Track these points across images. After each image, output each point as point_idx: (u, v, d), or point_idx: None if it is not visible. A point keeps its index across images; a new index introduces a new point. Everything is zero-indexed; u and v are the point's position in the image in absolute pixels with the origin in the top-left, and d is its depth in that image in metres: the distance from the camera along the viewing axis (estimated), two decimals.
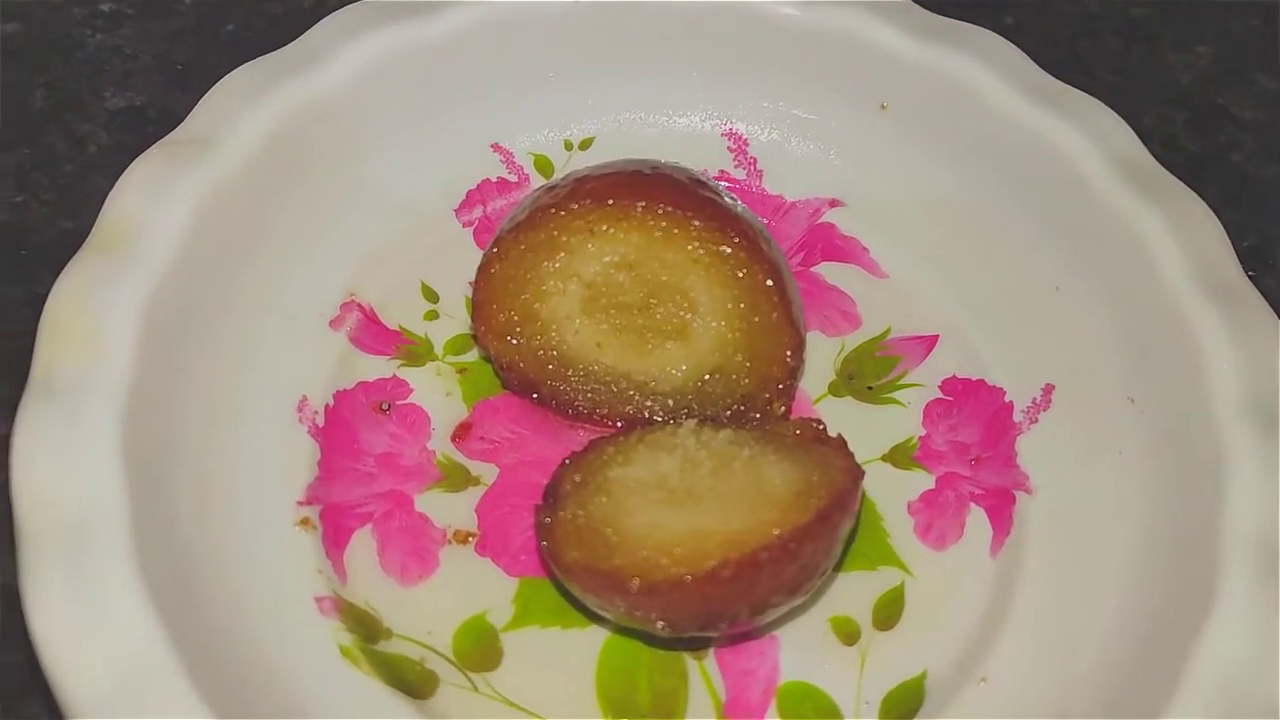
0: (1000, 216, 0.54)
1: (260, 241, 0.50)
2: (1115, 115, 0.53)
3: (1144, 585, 0.45)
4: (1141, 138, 0.53)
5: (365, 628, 0.45)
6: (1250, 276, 0.49)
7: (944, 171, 0.55)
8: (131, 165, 0.48)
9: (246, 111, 0.50)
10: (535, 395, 0.50)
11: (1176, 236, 0.49)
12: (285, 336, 0.50)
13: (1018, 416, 0.51)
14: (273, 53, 0.52)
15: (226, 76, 0.51)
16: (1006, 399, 0.52)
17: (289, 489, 0.47)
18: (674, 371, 0.49)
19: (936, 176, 0.55)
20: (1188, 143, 0.65)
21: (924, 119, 0.55)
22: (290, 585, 0.44)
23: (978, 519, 0.49)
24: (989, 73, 0.54)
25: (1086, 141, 0.52)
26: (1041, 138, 0.52)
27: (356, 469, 0.49)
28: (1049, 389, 0.51)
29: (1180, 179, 0.52)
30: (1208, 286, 0.48)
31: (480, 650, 0.45)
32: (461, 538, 0.48)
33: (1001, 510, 0.49)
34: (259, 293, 0.50)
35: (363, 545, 0.47)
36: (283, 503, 0.47)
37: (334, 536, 0.47)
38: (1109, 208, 0.50)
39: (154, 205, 0.47)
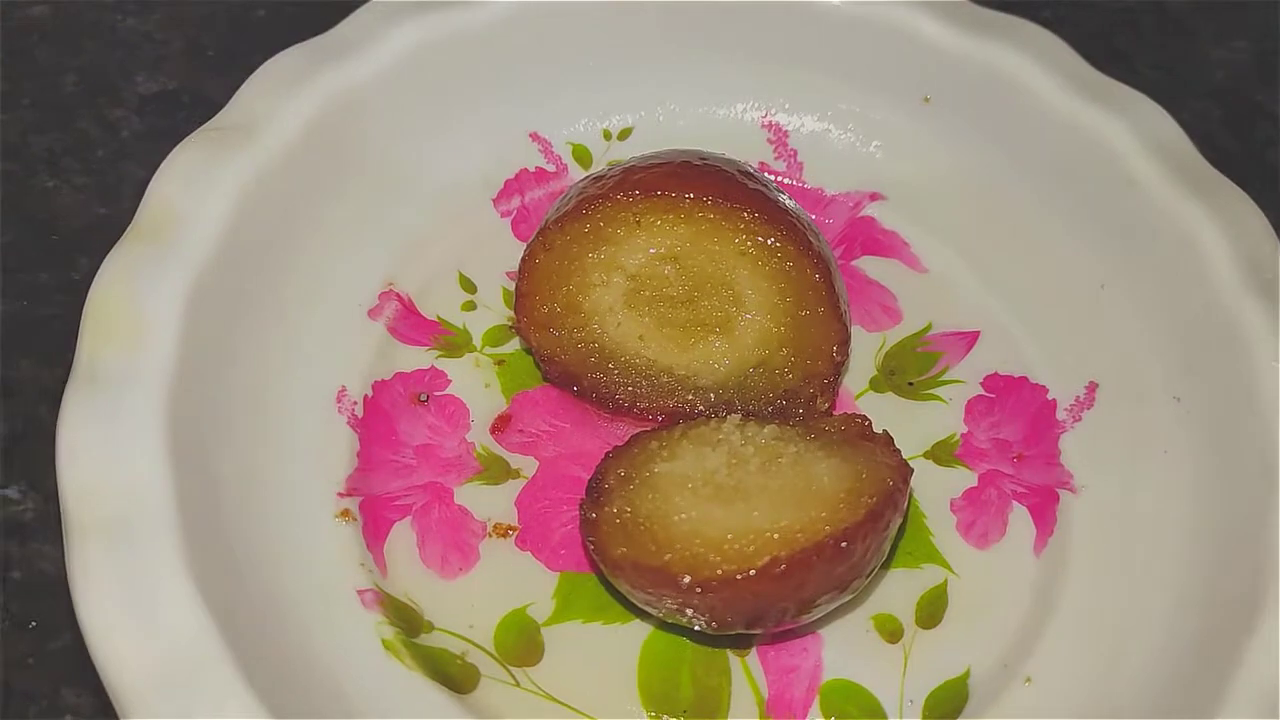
0: (1044, 212, 0.53)
1: (301, 230, 0.49)
2: (1161, 109, 0.53)
3: (1191, 586, 0.45)
4: None
5: (406, 621, 0.44)
6: None
7: (987, 165, 0.55)
8: (173, 152, 0.47)
9: (287, 99, 0.49)
10: (576, 388, 0.50)
11: (1225, 234, 0.48)
12: (324, 326, 0.50)
13: (1061, 414, 0.51)
14: (312, 39, 0.52)
15: (266, 63, 0.51)
16: (1049, 396, 0.51)
17: (329, 480, 0.47)
18: (717, 365, 0.48)
19: (979, 170, 0.55)
20: (1224, 140, 0.65)
21: (967, 112, 0.55)
22: (333, 578, 0.44)
23: (1021, 517, 0.49)
24: (1034, 66, 0.53)
25: (1133, 137, 0.51)
26: (1088, 132, 0.52)
27: (396, 460, 0.48)
28: (1093, 387, 0.51)
29: None
30: (1256, 285, 0.47)
31: (521, 644, 0.45)
32: (502, 531, 0.47)
33: (1045, 509, 0.49)
34: (299, 282, 0.49)
35: (403, 537, 0.47)
36: (323, 494, 0.46)
37: (374, 528, 0.46)
38: (1156, 204, 0.50)
39: (196, 193, 0.46)
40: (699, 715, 0.44)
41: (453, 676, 0.44)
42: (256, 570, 0.42)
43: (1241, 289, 0.47)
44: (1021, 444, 0.50)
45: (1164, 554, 0.46)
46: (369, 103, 0.52)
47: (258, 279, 0.48)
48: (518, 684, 0.44)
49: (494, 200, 0.55)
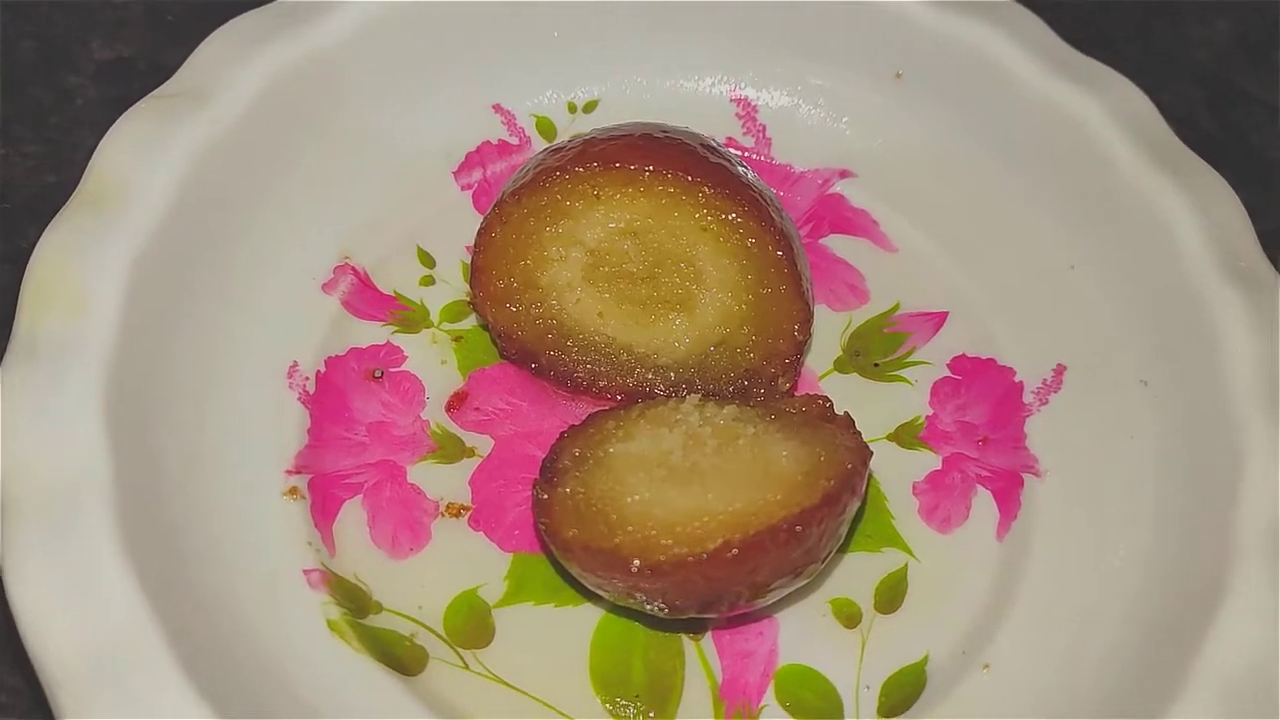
0: (1015, 192, 0.52)
1: (252, 200, 0.48)
2: (1137, 89, 0.52)
3: (1154, 573, 0.44)
4: None
5: (354, 601, 0.44)
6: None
7: (958, 144, 0.54)
8: (121, 118, 0.46)
9: (241, 65, 0.48)
10: (534, 365, 0.49)
11: (1198, 217, 0.47)
12: (276, 299, 0.48)
13: (1028, 397, 0.50)
14: (269, 4, 0.51)
15: (221, 28, 0.49)
16: (1016, 379, 0.50)
17: (278, 457, 0.46)
18: (677, 344, 0.47)
19: (950, 148, 0.54)
20: (1205, 122, 0.64)
21: (940, 89, 0.54)
22: (278, 557, 0.43)
23: (984, 501, 0.48)
24: (1008, 43, 0.52)
25: (1108, 116, 0.50)
26: (1061, 111, 0.51)
27: (347, 438, 0.47)
28: (1060, 370, 0.50)
29: None
30: (1228, 270, 0.47)
31: (472, 626, 0.44)
32: (454, 511, 0.46)
33: (1009, 493, 0.48)
34: (251, 254, 0.48)
35: (353, 516, 0.46)
36: (271, 471, 0.45)
37: (323, 507, 0.45)
38: (1130, 185, 0.49)
39: (144, 160, 0.45)
40: (651, 699, 0.43)
41: (400, 658, 0.43)
42: (198, 549, 0.41)
43: (1213, 271, 0.47)
44: (987, 427, 0.49)
45: (1128, 541, 0.45)
46: (328, 70, 0.51)
47: (207, 251, 0.46)
48: (467, 666, 0.43)
49: (455, 173, 0.54)
